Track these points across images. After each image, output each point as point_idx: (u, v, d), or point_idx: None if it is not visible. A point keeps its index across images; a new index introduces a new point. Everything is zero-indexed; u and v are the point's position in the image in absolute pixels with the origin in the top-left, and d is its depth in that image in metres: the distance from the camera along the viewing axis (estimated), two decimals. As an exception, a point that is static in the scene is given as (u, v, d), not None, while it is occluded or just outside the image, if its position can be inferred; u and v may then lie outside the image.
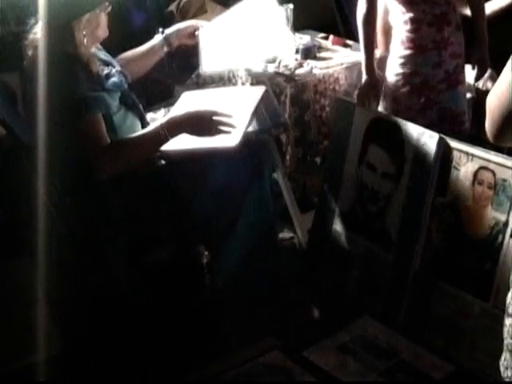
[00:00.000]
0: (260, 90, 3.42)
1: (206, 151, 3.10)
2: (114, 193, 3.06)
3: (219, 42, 3.65)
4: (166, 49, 3.56)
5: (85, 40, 3.05)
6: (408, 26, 3.55)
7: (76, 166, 2.98)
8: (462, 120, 3.63)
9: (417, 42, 3.55)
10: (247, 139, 3.15)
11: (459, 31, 3.62)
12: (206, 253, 3.46)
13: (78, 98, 2.94)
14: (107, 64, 3.25)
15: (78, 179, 3.01)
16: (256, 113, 3.26)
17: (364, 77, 3.68)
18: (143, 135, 3.08)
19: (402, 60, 3.59)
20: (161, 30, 3.56)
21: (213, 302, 3.36)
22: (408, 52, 3.58)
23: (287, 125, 3.55)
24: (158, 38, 3.54)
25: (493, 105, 1.83)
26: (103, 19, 3.14)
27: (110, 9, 3.14)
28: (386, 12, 3.71)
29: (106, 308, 3.16)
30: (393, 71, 3.61)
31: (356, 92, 3.87)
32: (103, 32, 3.18)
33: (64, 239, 3.10)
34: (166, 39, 3.54)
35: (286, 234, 3.95)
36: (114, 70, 3.20)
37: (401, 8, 3.55)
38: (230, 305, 3.35)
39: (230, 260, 3.32)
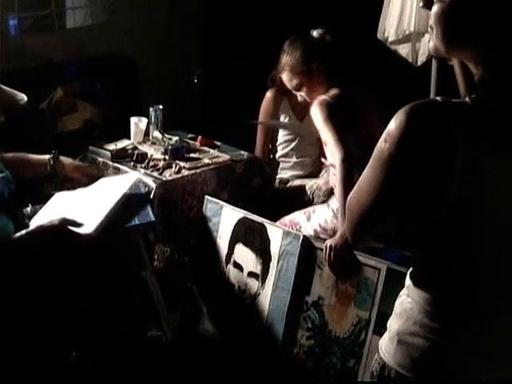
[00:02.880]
0: (131, 179, 3.47)
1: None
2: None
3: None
4: (49, 169, 3.54)
5: None
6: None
7: None
8: None
9: None
10: (114, 238, 3.17)
11: None
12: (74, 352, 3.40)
13: None
14: None
15: None
16: (122, 202, 3.26)
17: (339, 240, 3.26)
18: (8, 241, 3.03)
19: None
20: (55, 151, 3.55)
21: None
22: None
23: (155, 224, 3.55)
24: (47, 156, 3.53)
25: (352, 205, 1.90)
26: None
27: None
28: None
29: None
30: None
31: (224, 192, 3.95)
32: None
33: None
34: (53, 162, 3.52)
35: (153, 333, 3.92)
36: None
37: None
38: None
39: (97, 357, 3.27)
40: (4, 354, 3.03)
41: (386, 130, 1.79)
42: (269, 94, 4.37)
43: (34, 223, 3.19)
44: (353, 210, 1.91)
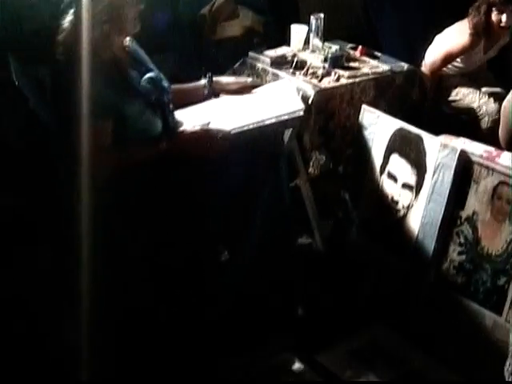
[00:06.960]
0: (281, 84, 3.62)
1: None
2: (132, 190, 3.03)
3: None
4: (206, 92, 3.54)
5: (116, 39, 3.04)
6: None
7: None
8: None
9: None
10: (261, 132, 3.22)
11: None
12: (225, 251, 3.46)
13: (98, 103, 2.88)
14: (143, 65, 3.22)
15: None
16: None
17: None
18: (143, 147, 3.07)
19: None
20: (209, 74, 3.55)
21: (227, 300, 3.35)
22: None
23: (303, 118, 3.50)
24: (203, 81, 3.54)
25: (507, 111, 1.86)
26: (131, 13, 3.06)
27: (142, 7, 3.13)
28: None
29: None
30: None
31: (382, 103, 3.90)
32: (132, 27, 3.10)
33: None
34: (210, 85, 3.54)
35: (304, 240, 3.96)
36: (150, 74, 3.18)
37: None
38: (245, 303, 3.35)
39: (248, 256, 3.31)
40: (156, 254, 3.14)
41: None
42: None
43: (182, 122, 3.27)
44: (507, 117, 1.87)
